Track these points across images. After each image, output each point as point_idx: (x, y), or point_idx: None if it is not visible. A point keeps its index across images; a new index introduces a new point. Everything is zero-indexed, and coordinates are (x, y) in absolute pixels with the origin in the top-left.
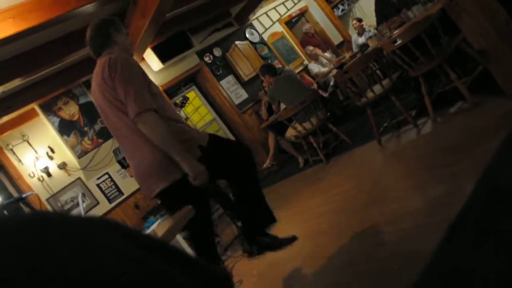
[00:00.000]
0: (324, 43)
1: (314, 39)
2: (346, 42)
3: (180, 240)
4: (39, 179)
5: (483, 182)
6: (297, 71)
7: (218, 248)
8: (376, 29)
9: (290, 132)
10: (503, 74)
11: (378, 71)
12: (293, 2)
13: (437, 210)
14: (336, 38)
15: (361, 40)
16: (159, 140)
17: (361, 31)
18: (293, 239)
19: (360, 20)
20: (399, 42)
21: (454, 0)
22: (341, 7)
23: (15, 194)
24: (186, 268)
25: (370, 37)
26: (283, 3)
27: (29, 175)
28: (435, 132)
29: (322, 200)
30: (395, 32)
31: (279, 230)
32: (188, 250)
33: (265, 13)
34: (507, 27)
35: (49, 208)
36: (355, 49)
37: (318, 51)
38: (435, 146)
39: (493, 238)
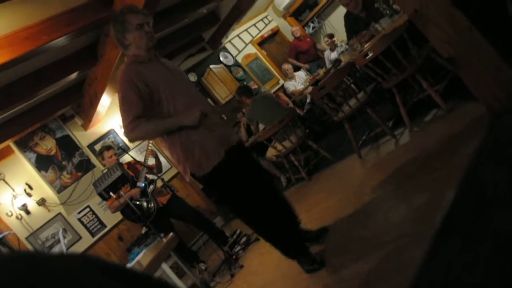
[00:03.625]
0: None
1: (305, 42)
2: (319, 59)
3: (167, 270)
4: (17, 217)
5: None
6: (273, 90)
7: (206, 275)
8: (347, 44)
9: (270, 152)
10: (473, 79)
11: (352, 85)
12: (264, 23)
13: (422, 219)
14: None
15: (334, 55)
16: (153, 137)
17: (333, 47)
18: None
19: (331, 36)
20: (370, 55)
21: (419, 11)
22: (311, 24)
23: None
24: None
25: (342, 52)
26: (254, 24)
27: (7, 214)
28: (413, 141)
29: (307, 218)
30: (365, 46)
31: (266, 251)
32: (175, 278)
33: (238, 35)
34: (471, 33)
35: (29, 246)
36: (328, 65)
37: (291, 71)
38: (414, 155)
39: (480, 245)
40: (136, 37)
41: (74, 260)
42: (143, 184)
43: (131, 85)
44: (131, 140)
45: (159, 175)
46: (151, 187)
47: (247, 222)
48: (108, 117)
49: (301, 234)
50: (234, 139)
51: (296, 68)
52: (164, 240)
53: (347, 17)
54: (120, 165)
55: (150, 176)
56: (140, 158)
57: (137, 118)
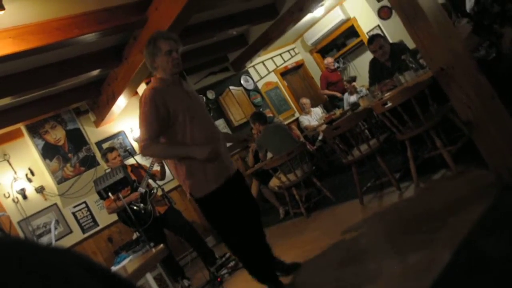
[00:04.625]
0: (317, 98)
1: (336, 74)
2: (338, 99)
3: (150, 280)
4: (13, 200)
5: (461, 253)
6: (287, 122)
7: None
8: (368, 89)
9: (273, 182)
10: (487, 147)
11: (366, 131)
12: (290, 54)
13: (413, 276)
14: None
15: (353, 98)
16: (164, 158)
17: (353, 91)
18: (298, 265)
19: (350, 82)
20: (389, 104)
21: (445, 70)
22: (336, 64)
23: None
24: None
25: (362, 96)
26: (280, 54)
27: (4, 195)
28: (417, 197)
29: (299, 254)
30: (386, 95)
31: (251, 279)
32: None
33: (262, 62)
34: (492, 101)
35: (19, 231)
36: (346, 107)
37: (308, 106)
38: (416, 211)
39: None
40: (163, 62)
41: (63, 255)
42: (144, 191)
43: (153, 104)
44: (144, 155)
45: (160, 184)
46: (152, 194)
47: (228, 243)
48: (121, 118)
49: (273, 262)
50: (233, 169)
51: (314, 105)
52: (154, 250)
53: (373, 63)
54: (124, 167)
55: (152, 184)
56: (145, 163)
57: (154, 137)
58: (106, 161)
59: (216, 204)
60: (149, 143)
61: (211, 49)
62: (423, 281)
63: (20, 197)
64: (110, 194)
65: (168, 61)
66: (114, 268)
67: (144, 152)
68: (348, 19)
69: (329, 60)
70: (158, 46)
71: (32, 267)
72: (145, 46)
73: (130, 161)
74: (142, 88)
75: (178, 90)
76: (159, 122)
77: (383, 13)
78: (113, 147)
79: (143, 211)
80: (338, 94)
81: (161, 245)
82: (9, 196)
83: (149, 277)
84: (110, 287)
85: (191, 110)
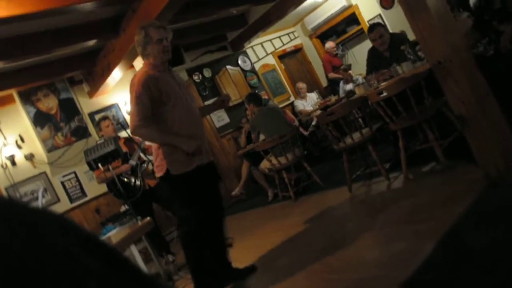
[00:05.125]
0: (313, 83)
1: (337, 59)
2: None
3: (135, 253)
4: (2, 166)
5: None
6: (281, 105)
7: (172, 267)
8: (364, 78)
9: (264, 164)
10: (478, 144)
11: (360, 119)
12: (289, 38)
13: (394, 265)
14: (325, 80)
15: (349, 87)
16: (152, 141)
17: (349, 79)
18: (253, 268)
19: (346, 70)
20: (384, 94)
21: (442, 63)
22: (335, 50)
23: None
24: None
25: (358, 84)
26: (279, 37)
27: None
28: (405, 188)
29: (284, 236)
30: (382, 84)
31: (237, 258)
32: (140, 263)
33: (261, 43)
34: (487, 98)
35: (5, 196)
36: (341, 94)
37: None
38: (403, 202)
39: None
40: (154, 50)
41: (55, 220)
42: (135, 163)
43: (146, 87)
44: (134, 135)
45: (152, 158)
46: (143, 167)
47: (184, 228)
48: (116, 91)
49: (228, 269)
50: (208, 159)
51: (310, 90)
52: (140, 223)
53: (371, 52)
54: (116, 139)
55: (144, 157)
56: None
57: (146, 119)
58: (100, 129)
59: (188, 184)
60: (141, 124)
61: (210, 26)
62: (405, 270)
63: (9, 163)
64: (100, 165)
65: (159, 49)
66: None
67: (135, 131)
68: (350, 6)
69: (331, 44)
70: (149, 35)
71: (19, 227)
72: (136, 34)
73: (123, 134)
74: (138, 61)
75: (168, 77)
76: (150, 104)
77: (386, 2)
78: (107, 115)
79: (132, 184)
80: (346, 75)
81: (148, 218)
82: None
83: (133, 249)
84: (100, 259)
85: (180, 97)
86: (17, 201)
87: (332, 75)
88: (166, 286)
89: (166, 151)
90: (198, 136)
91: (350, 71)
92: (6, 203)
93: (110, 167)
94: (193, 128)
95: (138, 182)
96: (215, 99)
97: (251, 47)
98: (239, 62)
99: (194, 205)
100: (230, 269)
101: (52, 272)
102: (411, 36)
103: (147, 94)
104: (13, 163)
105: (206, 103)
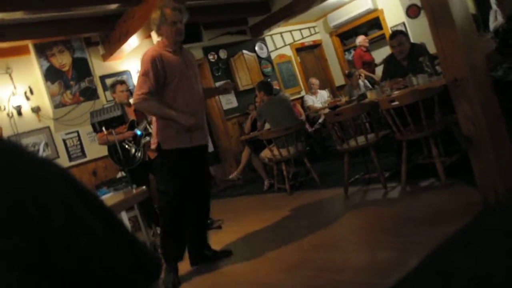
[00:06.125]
0: (326, 81)
1: (369, 55)
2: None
3: (125, 219)
4: (8, 114)
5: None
6: (292, 98)
7: (159, 239)
8: (378, 83)
9: (265, 153)
10: (480, 167)
11: (367, 124)
12: (310, 32)
13: (375, 273)
14: (338, 79)
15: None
16: (152, 114)
17: (354, 84)
18: (228, 252)
19: (350, 76)
20: (396, 102)
21: (458, 81)
22: (352, 52)
23: None
24: (113, 230)
25: (371, 89)
26: (300, 29)
27: (0, 107)
28: (401, 199)
29: (272, 227)
30: (395, 92)
31: (220, 240)
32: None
33: (280, 33)
34: (497, 123)
35: None
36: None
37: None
38: (397, 213)
39: None
40: (168, 31)
41: (59, 171)
42: (140, 133)
43: (153, 64)
44: (136, 107)
45: None
46: (147, 138)
47: (165, 203)
48: (130, 58)
49: (204, 249)
50: (202, 142)
51: (322, 87)
52: (134, 191)
53: (389, 59)
54: (123, 106)
55: (149, 129)
56: None
57: (150, 93)
58: (113, 92)
59: (174, 160)
60: (144, 97)
61: (233, 8)
62: (386, 279)
63: (15, 112)
64: (103, 128)
65: (172, 31)
66: None
67: (138, 103)
68: (375, 10)
69: (363, 37)
70: (164, 15)
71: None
72: (153, 12)
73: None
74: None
75: (177, 59)
76: (156, 81)
77: (412, 11)
78: (124, 80)
79: (133, 152)
80: (375, 76)
81: (143, 187)
82: (4, 109)
83: (124, 216)
84: (93, 210)
85: (184, 79)
86: (26, 150)
87: (361, 71)
88: (153, 254)
89: (161, 125)
90: (197, 118)
91: (361, 76)
92: (16, 149)
93: (113, 132)
94: (192, 110)
95: (138, 153)
96: (224, 81)
97: (270, 35)
98: (256, 48)
99: (175, 182)
100: (205, 248)
101: (49, 218)
102: (431, 49)
103: (153, 71)
104: (19, 113)
105: (217, 83)
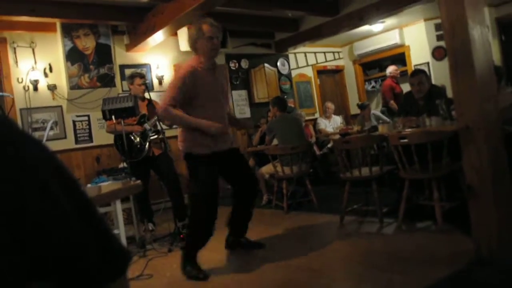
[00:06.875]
0: (342, 107)
1: (399, 87)
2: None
3: (118, 209)
4: (24, 87)
5: None
6: (305, 118)
7: (148, 235)
8: (393, 119)
9: (266, 169)
10: (478, 218)
11: (375, 156)
12: (334, 57)
13: None
14: (354, 107)
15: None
16: (177, 124)
17: (366, 117)
18: (261, 245)
19: (363, 107)
20: (405, 140)
21: (470, 129)
22: (372, 83)
23: None
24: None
25: (383, 122)
26: (324, 52)
27: (18, 79)
28: (395, 237)
29: (264, 243)
30: (406, 130)
31: (213, 248)
32: (120, 221)
33: (304, 53)
34: (503, 177)
35: (18, 116)
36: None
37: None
38: (388, 249)
39: None
40: (204, 46)
41: (47, 156)
42: (149, 128)
43: (184, 80)
44: (160, 115)
45: (166, 128)
46: (154, 135)
47: (194, 203)
48: (152, 52)
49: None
50: (226, 147)
51: (336, 113)
52: (132, 182)
53: (407, 96)
54: (136, 98)
55: (159, 126)
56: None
57: (175, 104)
58: (131, 83)
59: (202, 166)
60: (169, 107)
61: (262, 21)
62: None
63: (31, 87)
64: (113, 117)
65: (208, 46)
66: (89, 185)
67: (163, 112)
68: (402, 45)
69: (394, 68)
70: (201, 30)
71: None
72: (189, 28)
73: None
74: (182, 31)
75: (209, 75)
76: (183, 95)
77: (437, 53)
78: (144, 74)
79: (138, 146)
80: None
81: (138, 180)
82: (22, 82)
83: (118, 206)
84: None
85: (212, 96)
86: (11, 121)
87: (393, 104)
88: (124, 249)
89: (186, 132)
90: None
91: (370, 111)
92: (15, 130)
93: (122, 122)
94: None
95: (143, 147)
96: (246, 118)
97: (294, 53)
98: (278, 64)
99: (203, 186)
100: (241, 237)
101: (23, 194)
102: (451, 93)
103: (183, 85)
104: (35, 88)
105: (233, 92)
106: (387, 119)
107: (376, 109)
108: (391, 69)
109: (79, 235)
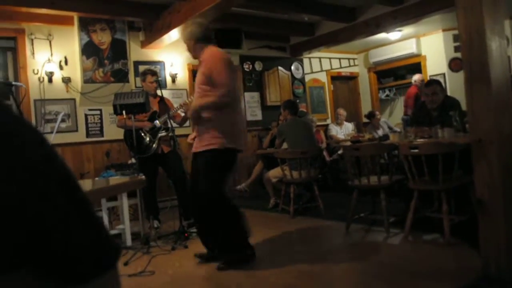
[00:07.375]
0: (354, 114)
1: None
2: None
3: (125, 204)
4: (39, 79)
5: None
6: (317, 123)
7: (153, 233)
8: (404, 128)
9: (273, 173)
10: (488, 233)
11: (386, 165)
12: (349, 63)
13: None
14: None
15: (379, 132)
16: (229, 113)
17: (376, 125)
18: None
19: (371, 117)
20: (416, 150)
21: (482, 142)
22: (387, 91)
23: (11, 79)
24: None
25: (395, 132)
26: (339, 58)
27: (33, 70)
28: (400, 247)
29: (268, 247)
30: (418, 140)
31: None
32: (126, 216)
33: (319, 58)
34: None
35: (31, 107)
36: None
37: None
38: (392, 259)
39: None
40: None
41: (47, 150)
42: (159, 126)
43: (233, 69)
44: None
45: (176, 126)
46: (164, 132)
47: (211, 202)
48: (167, 49)
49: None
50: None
51: (348, 120)
52: (139, 178)
53: (420, 106)
54: (147, 95)
55: (169, 123)
56: (175, 104)
57: (230, 94)
58: (143, 80)
59: (232, 161)
60: (229, 95)
61: (278, 24)
62: None
63: (46, 78)
64: (124, 112)
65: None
66: (97, 178)
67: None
68: (418, 55)
69: (420, 76)
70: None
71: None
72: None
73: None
74: None
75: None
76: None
77: (454, 64)
78: (156, 72)
79: (147, 142)
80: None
81: (143, 177)
82: (37, 73)
83: (125, 200)
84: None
85: (237, 92)
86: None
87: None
88: (115, 242)
89: (225, 127)
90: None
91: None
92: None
93: (133, 118)
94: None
95: (153, 144)
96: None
97: (309, 57)
98: (292, 67)
99: (221, 182)
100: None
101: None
102: (465, 105)
103: (233, 74)
104: (50, 80)
105: (246, 93)
106: (397, 129)
107: (389, 118)
108: (416, 77)
109: (72, 224)
